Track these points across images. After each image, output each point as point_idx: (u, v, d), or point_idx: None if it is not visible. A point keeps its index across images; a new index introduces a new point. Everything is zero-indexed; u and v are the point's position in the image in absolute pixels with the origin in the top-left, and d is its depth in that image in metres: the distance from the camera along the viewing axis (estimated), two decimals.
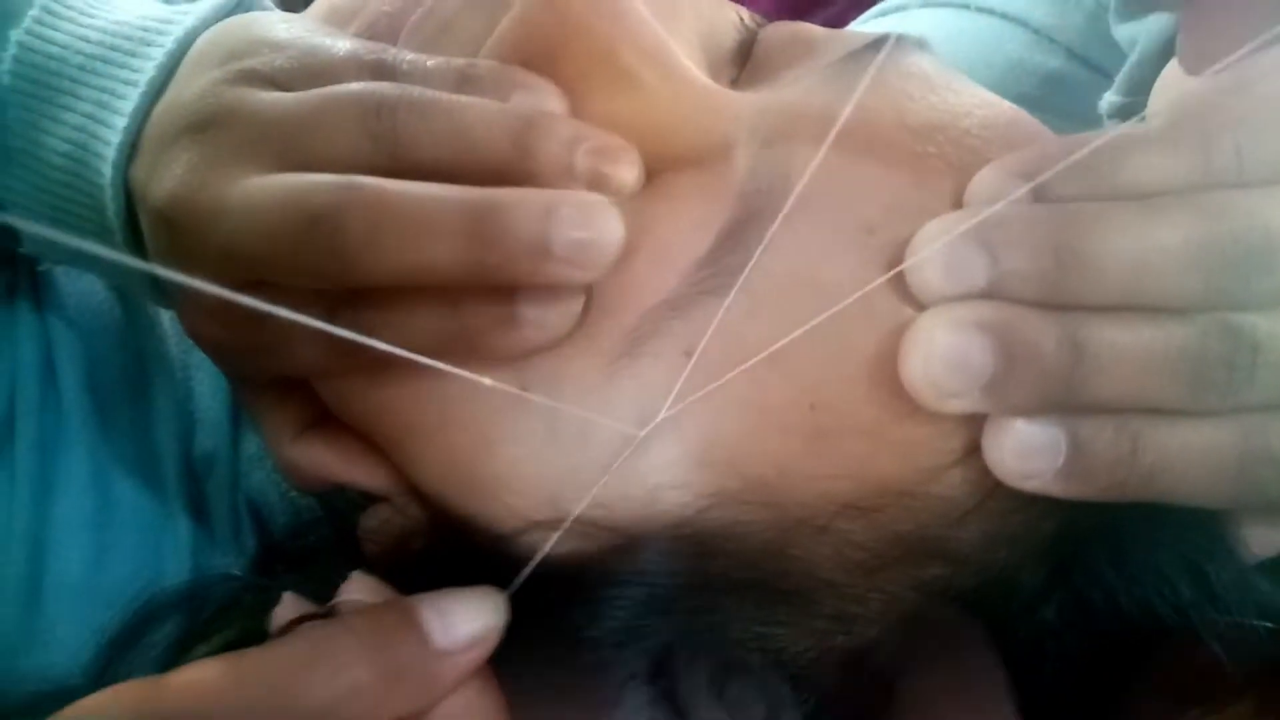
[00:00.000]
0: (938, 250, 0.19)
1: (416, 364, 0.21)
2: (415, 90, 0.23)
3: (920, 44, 0.24)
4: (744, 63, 0.26)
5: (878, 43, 0.23)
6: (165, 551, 0.32)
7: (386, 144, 0.22)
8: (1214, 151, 0.20)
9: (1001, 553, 0.21)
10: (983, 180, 0.21)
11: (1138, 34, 0.33)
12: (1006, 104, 0.24)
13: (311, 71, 0.24)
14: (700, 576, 0.21)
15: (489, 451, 0.22)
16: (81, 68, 0.26)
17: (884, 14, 0.48)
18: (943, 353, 0.19)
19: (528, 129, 0.22)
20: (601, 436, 0.21)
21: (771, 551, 0.21)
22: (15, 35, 0.27)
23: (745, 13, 0.27)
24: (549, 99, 0.23)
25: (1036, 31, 0.42)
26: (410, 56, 0.24)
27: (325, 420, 0.26)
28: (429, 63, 0.24)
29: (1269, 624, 0.21)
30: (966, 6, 0.43)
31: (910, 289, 0.20)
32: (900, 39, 0.23)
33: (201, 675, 0.19)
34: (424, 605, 0.20)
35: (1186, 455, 0.19)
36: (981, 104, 0.23)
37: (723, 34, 0.26)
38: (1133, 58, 0.34)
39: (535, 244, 0.20)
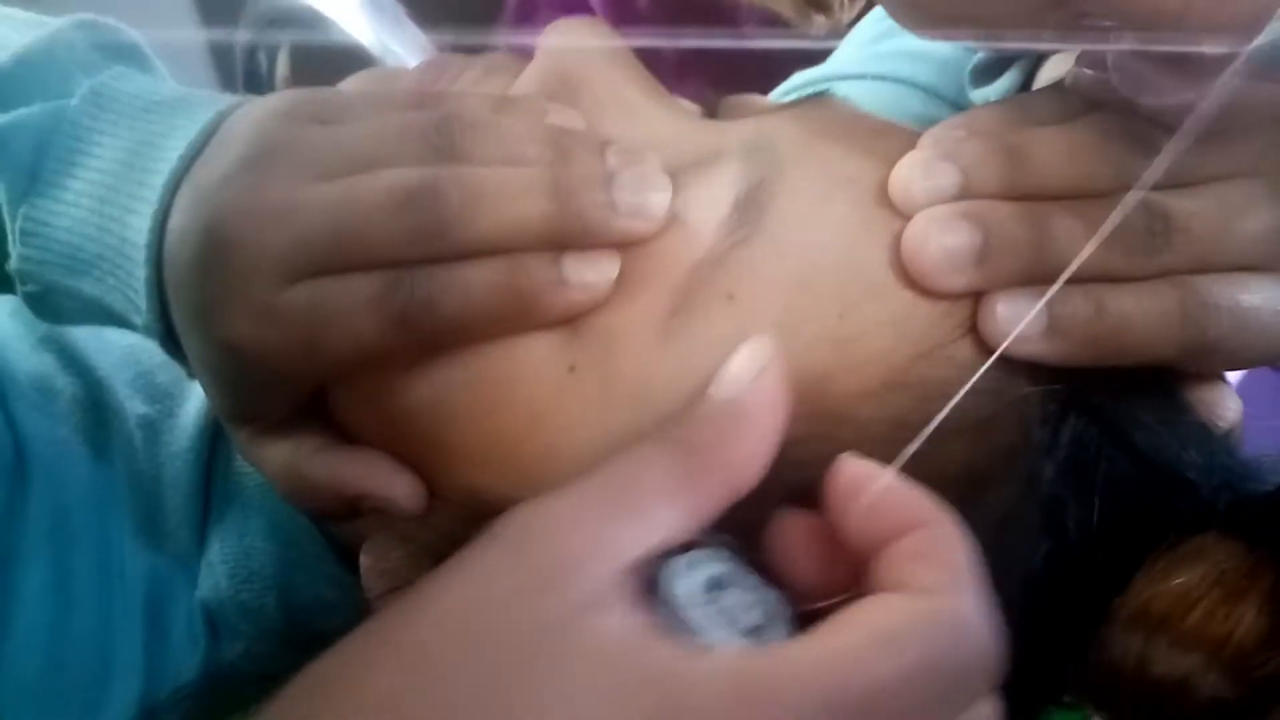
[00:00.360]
0: (915, 169, 0.24)
1: (470, 341, 0.25)
2: (465, 111, 0.26)
3: (846, 100, 0.30)
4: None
5: (818, 93, 0.28)
6: (117, 663, 0.32)
7: (447, 156, 0.25)
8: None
9: (1010, 427, 0.24)
10: (932, 130, 0.26)
11: (989, 95, 0.39)
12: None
13: (358, 110, 0.27)
14: (752, 498, 0.23)
15: (539, 426, 0.25)
16: (145, 109, 0.29)
17: (786, 94, 0.53)
18: (938, 241, 0.23)
19: (564, 135, 0.26)
20: (661, 392, 0.24)
21: (820, 458, 0.23)
22: (90, 81, 0.30)
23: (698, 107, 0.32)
24: (575, 119, 0.27)
25: (925, 90, 0.48)
26: (452, 91, 0.28)
27: (339, 444, 0.27)
28: (468, 95, 0.28)
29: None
30: (864, 77, 0.49)
31: (896, 205, 0.24)
32: (833, 94, 0.29)
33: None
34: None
35: (1140, 310, 0.23)
36: (897, 122, 0.29)
37: (690, 109, 0.31)
38: None
39: (604, 203, 0.24)
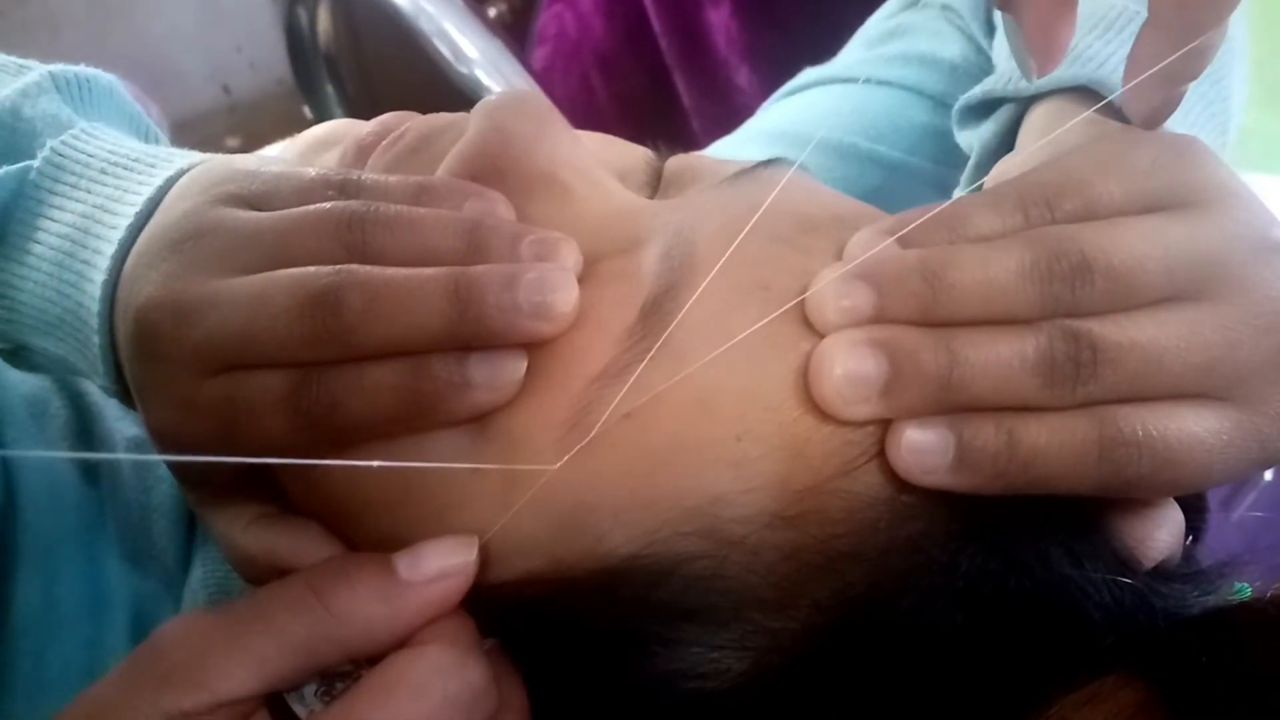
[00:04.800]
0: (832, 286, 0.23)
1: (378, 441, 0.25)
2: (380, 204, 0.25)
3: (802, 167, 0.28)
4: (655, 186, 0.30)
5: (768, 162, 0.27)
6: None
7: (357, 252, 0.25)
8: (1029, 205, 0.24)
9: (909, 556, 0.23)
10: (858, 237, 0.25)
11: (973, 140, 0.37)
12: (861, 202, 0.28)
13: (285, 193, 0.27)
14: (646, 609, 0.23)
15: (447, 521, 0.25)
16: (102, 171, 0.30)
17: (791, 93, 0.51)
18: (844, 367, 0.22)
19: (477, 229, 0.25)
20: (559, 504, 0.24)
21: (708, 576, 0.23)
22: (52, 143, 0.31)
23: (649, 153, 0.31)
24: (498, 205, 0.27)
25: (932, 98, 0.45)
26: (373, 176, 0.27)
27: (277, 513, 0.28)
28: (390, 179, 0.27)
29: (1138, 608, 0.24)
30: (868, 80, 0.47)
31: (811, 322, 0.23)
32: (783, 160, 0.28)
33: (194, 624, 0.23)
34: (400, 552, 0.24)
35: (1054, 443, 0.22)
36: (844, 200, 0.28)
37: (635, 167, 0.30)
38: (972, 160, 0.37)
39: (507, 305, 0.24)
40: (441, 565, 0.23)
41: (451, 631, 0.24)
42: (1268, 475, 0.83)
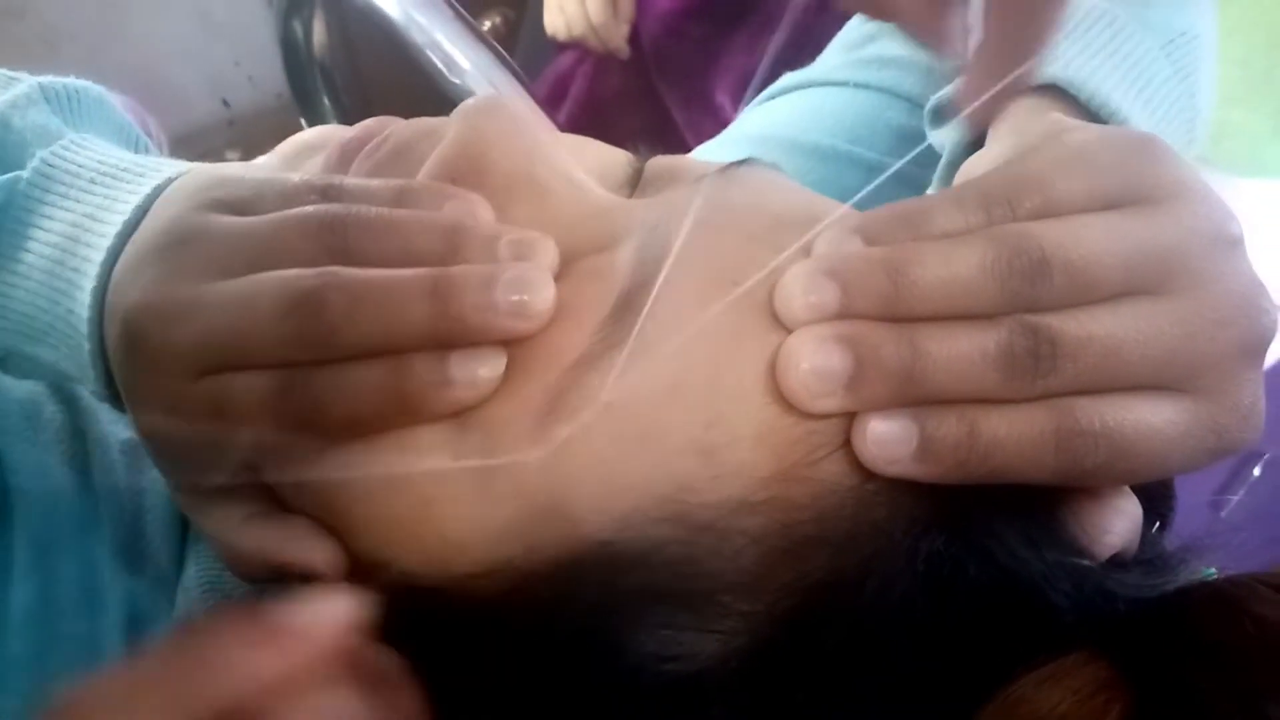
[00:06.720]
0: (799, 283, 0.24)
1: (361, 436, 0.25)
2: (360, 207, 0.26)
3: (774, 165, 0.28)
4: (634, 186, 0.31)
5: (744, 161, 0.28)
6: None
7: (339, 255, 0.26)
8: (991, 203, 0.25)
9: (873, 541, 0.24)
10: (826, 235, 0.25)
11: (944, 139, 0.38)
12: (833, 201, 0.29)
13: (269, 198, 0.28)
14: (617, 595, 0.24)
15: (431, 512, 0.25)
16: (92, 180, 0.31)
17: (773, 96, 0.52)
18: (810, 362, 0.23)
19: (456, 231, 0.26)
20: (535, 491, 0.24)
21: (679, 560, 0.24)
22: (41, 154, 0.32)
23: (629, 155, 0.32)
24: (478, 207, 0.27)
25: (908, 100, 0.46)
26: (354, 180, 0.28)
27: (267, 511, 0.28)
28: (371, 183, 0.28)
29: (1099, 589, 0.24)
30: (846, 84, 0.47)
31: (779, 317, 0.24)
32: (758, 160, 0.29)
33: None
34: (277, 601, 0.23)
35: (1014, 434, 0.23)
36: (817, 199, 0.29)
37: (616, 169, 0.31)
38: (944, 158, 0.38)
39: (485, 304, 0.24)
40: (315, 610, 0.23)
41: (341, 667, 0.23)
42: (1256, 471, 0.84)
